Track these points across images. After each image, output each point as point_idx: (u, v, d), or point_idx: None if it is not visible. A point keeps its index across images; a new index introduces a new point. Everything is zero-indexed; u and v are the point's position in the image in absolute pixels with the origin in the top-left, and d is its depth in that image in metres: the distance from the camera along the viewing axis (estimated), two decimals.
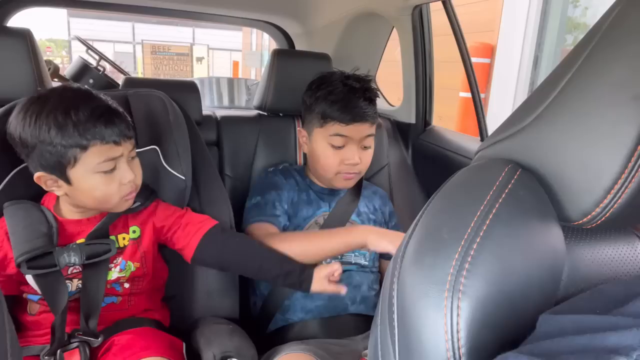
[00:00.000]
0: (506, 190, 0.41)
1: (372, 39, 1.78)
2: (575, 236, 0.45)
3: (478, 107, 1.38)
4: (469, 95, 1.46)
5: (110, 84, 1.86)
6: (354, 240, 0.95)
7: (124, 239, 0.88)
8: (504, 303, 0.37)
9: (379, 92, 1.17)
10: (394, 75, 1.76)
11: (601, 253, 0.45)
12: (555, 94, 0.41)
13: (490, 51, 3.42)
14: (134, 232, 0.89)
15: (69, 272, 0.83)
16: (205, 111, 1.33)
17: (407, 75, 1.56)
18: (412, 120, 1.58)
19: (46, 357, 0.78)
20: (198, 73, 11.09)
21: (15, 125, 0.76)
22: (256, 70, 10.20)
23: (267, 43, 9.58)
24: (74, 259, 0.81)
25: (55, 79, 1.75)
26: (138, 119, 0.97)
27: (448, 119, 3.53)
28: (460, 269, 0.37)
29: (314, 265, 0.95)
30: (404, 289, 0.40)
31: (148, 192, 0.92)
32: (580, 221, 0.40)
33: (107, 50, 10.25)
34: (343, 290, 0.92)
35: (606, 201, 0.37)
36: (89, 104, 0.76)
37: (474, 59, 1.75)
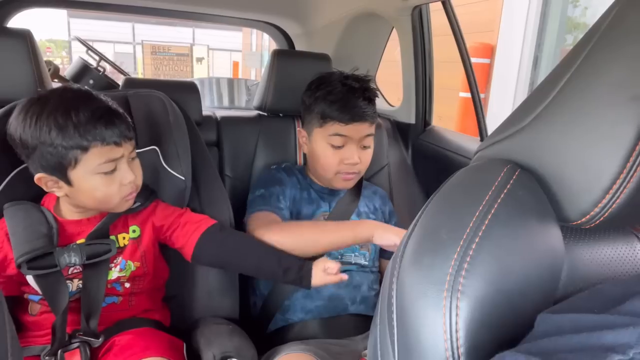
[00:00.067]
0: (505, 191, 0.41)
1: (371, 40, 1.78)
2: (574, 236, 0.45)
3: (478, 107, 1.38)
4: (468, 95, 1.46)
5: (110, 85, 1.86)
6: (361, 233, 0.95)
7: (124, 238, 0.88)
8: (503, 303, 0.37)
9: (378, 92, 1.17)
10: (393, 75, 1.76)
11: (600, 253, 0.45)
12: (554, 94, 0.41)
13: (490, 51, 3.43)
14: (133, 231, 0.90)
15: (70, 273, 0.84)
16: (205, 112, 1.33)
17: (406, 75, 1.57)
18: (412, 121, 1.58)
19: (47, 358, 0.78)
20: (198, 73, 11.09)
21: (16, 126, 0.76)
22: (256, 71, 10.20)
23: (267, 43, 9.58)
24: (75, 259, 0.81)
25: (56, 80, 1.75)
26: (138, 119, 0.97)
27: (448, 119, 3.53)
28: (459, 269, 0.37)
29: (312, 259, 0.95)
30: (403, 289, 0.40)
31: (148, 192, 0.92)
32: (579, 221, 0.40)
33: (107, 50, 10.25)
34: (345, 277, 0.91)
35: (605, 201, 0.37)
36: (89, 105, 0.76)
37: (473, 59, 1.75)
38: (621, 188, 0.36)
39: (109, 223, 0.86)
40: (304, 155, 1.24)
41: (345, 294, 1.06)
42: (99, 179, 0.78)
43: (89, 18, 12.22)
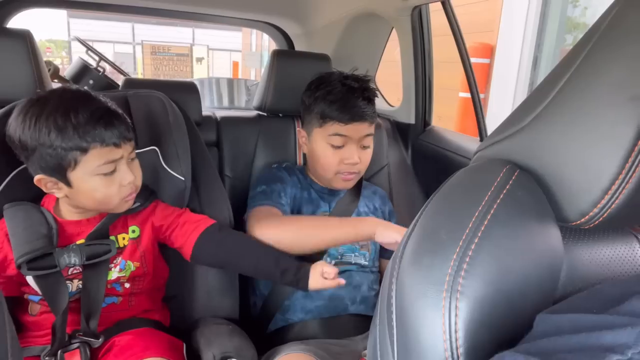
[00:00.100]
0: (504, 191, 0.41)
1: (371, 40, 1.78)
2: (574, 236, 0.45)
3: (477, 107, 1.38)
4: (468, 95, 1.46)
5: (110, 85, 1.86)
6: (363, 229, 0.95)
7: (123, 238, 0.88)
8: (502, 303, 0.37)
9: (377, 92, 1.17)
10: (393, 75, 1.76)
11: (599, 253, 0.45)
12: (553, 94, 0.41)
13: (489, 51, 3.42)
14: (133, 231, 0.90)
15: (69, 273, 0.84)
16: (205, 112, 1.33)
17: (406, 75, 1.57)
18: (412, 121, 1.59)
19: (47, 358, 0.78)
20: (198, 73, 11.09)
21: (15, 127, 0.76)
22: (256, 71, 10.20)
23: (267, 44, 9.58)
24: (74, 259, 0.81)
25: (55, 80, 1.75)
26: (138, 119, 0.97)
27: (447, 119, 3.53)
28: (459, 270, 0.37)
29: (312, 257, 0.94)
30: (402, 290, 0.40)
31: (148, 193, 0.92)
32: (578, 221, 0.40)
33: (107, 50, 10.25)
34: (342, 281, 0.91)
35: (604, 201, 0.37)
36: (88, 106, 0.76)
37: (473, 59, 1.75)
38: (620, 188, 0.36)
39: (108, 223, 0.86)
40: (304, 155, 1.24)
41: (345, 294, 1.06)
42: (99, 180, 0.78)
43: (88, 18, 12.22)
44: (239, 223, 1.06)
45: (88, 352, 0.81)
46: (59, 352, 0.79)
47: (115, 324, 0.87)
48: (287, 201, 1.09)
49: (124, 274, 0.88)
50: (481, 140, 1.41)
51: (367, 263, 1.12)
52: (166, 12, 1.87)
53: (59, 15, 12.91)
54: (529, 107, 0.44)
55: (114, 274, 0.87)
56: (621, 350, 0.27)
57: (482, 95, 3.35)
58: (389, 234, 0.92)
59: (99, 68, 1.89)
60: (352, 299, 1.07)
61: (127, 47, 12.64)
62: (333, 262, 1.09)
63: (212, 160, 1.12)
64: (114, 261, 0.87)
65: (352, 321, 1.06)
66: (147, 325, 0.89)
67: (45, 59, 1.19)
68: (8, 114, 0.80)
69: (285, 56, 1.41)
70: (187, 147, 1.01)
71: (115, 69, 2.16)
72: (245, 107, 2.97)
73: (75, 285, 0.84)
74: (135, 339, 0.83)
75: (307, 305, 1.05)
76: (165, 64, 11.00)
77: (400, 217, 1.29)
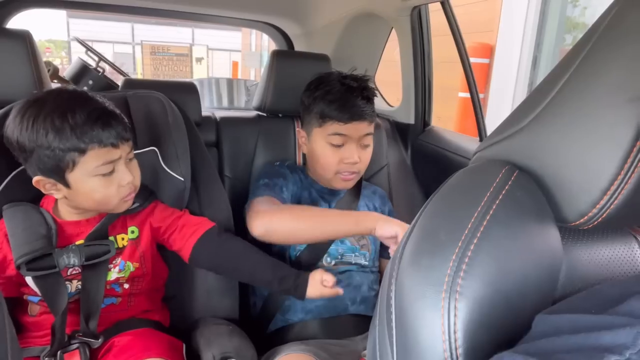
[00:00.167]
0: (503, 192, 0.41)
1: (371, 40, 1.78)
2: (573, 237, 0.45)
3: (477, 107, 1.38)
4: (467, 95, 1.46)
5: (109, 85, 1.86)
6: (363, 223, 0.94)
7: (122, 239, 0.88)
8: (502, 304, 0.37)
9: (376, 92, 1.17)
10: (393, 75, 1.76)
11: (598, 253, 0.45)
12: (553, 95, 0.41)
13: (489, 51, 3.42)
14: (132, 232, 0.90)
15: (69, 274, 0.84)
16: (205, 112, 1.33)
17: (406, 75, 1.57)
18: (411, 121, 1.59)
19: (46, 358, 0.79)
20: (197, 73, 11.08)
21: (13, 129, 0.76)
22: (255, 71, 10.20)
23: (266, 44, 9.58)
24: (74, 260, 0.81)
25: (55, 81, 1.75)
26: (137, 120, 0.97)
27: (447, 119, 3.53)
28: (458, 270, 0.37)
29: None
30: (401, 290, 0.40)
31: (147, 193, 0.92)
32: (578, 222, 0.40)
33: (107, 51, 10.25)
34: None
35: (603, 202, 0.37)
36: (85, 107, 0.76)
37: (472, 59, 1.75)
38: (619, 189, 0.36)
39: (107, 224, 0.86)
40: (304, 155, 1.24)
41: (345, 294, 1.06)
42: (97, 180, 0.78)
43: (88, 18, 12.21)
44: (239, 223, 1.06)
45: (87, 353, 0.81)
46: (59, 352, 0.79)
47: (114, 324, 0.87)
48: (289, 196, 1.09)
49: (123, 275, 0.88)
50: (480, 140, 1.41)
51: (367, 263, 1.12)
52: (166, 12, 1.87)
53: (58, 15, 12.90)
54: (528, 107, 0.44)
55: (113, 275, 0.87)
56: (619, 350, 0.27)
57: (481, 95, 3.36)
58: (390, 226, 0.91)
59: (98, 68, 1.90)
60: (352, 299, 1.07)
61: (126, 47, 12.63)
62: (333, 262, 1.09)
63: (212, 161, 1.12)
64: (113, 262, 0.87)
65: (352, 321, 1.06)
66: (146, 326, 0.89)
67: (44, 59, 1.19)
68: (7, 115, 0.80)
69: (285, 56, 1.41)
70: (187, 147, 1.01)
71: (114, 69, 2.16)
72: (245, 107, 2.97)
73: (74, 285, 0.84)
74: (134, 340, 0.83)
75: (307, 306, 1.05)
76: (165, 64, 11.00)
77: (400, 217, 1.27)
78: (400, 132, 1.62)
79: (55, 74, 1.74)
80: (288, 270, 0.93)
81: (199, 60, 11.43)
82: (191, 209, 1.00)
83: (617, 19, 0.38)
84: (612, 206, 0.37)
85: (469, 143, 1.40)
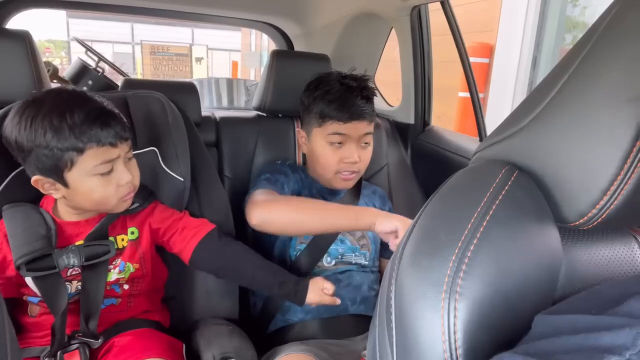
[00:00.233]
0: (503, 192, 0.41)
1: (370, 40, 1.78)
2: (572, 237, 0.45)
3: (477, 107, 1.38)
4: (467, 95, 1.46)
5: (109, 86, 1.86)
6: (363, 218, 0.93)
7: (122, 240, 0.88)
8: (501, 304, 0.37)
9: (376, 91, 1.17)
10: (393, 75, 1.76)
11: (598, 254, 0.45)
12: (552, 95, 0.41)
13: (489, 51, 3.42)
14: (132, 233, 0.90)
15: (69, 274, 0.84)
16: (205, 112, 1.33)
17: (405, 75, 1.57)
18: (411, 121, 1.59)
19: (46, 359, 0.78)
20: (197, 73, 11.08)
21: (11, 129, 0.76)
22: (255, 71, 10.20)
23: (266, 43, 9.58)
24: (73, 260, 0.81)
25: (55, 81, 1.75)
26: (137, 120, 0.97)
27: (447, 119, 3.53)
28: (458, 271, 0.37)
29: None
30: (401, 291, 0.40)
31: (146, 194, 0.92)
32: (577, 222, 0.40)
33: (106, 51, 10.25)
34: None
35: (603, 202, 0.37)
36: (84, 107, 0.76)
37: (472, 59, 1.75)
38: (619, 189, 0.36)
39: (107, 224, 0.86)
40: (304, 155, 1.24)
41: (345, 294, 1.06)
42: (96, 180, 0.78)
43: (88, 18, 12.21)
44: (239, 223, 1.06)
45: (87, 353, 0.81)
46: (59, 352, 0.79)
47: (114, 324, 0.87)
48: (289, 193, 1.10)
49: (123, 276, 0.88)
50: (480, 140, 1.41)
51: (367, 263, 1.12)
52: (165, 12, 1.87)
53: (58, 15, 12.90)
54: (528, 107, 0.44)
55: (113, 276, 0.87)
56: (619, 351, 0.27)
57: (481, 95, 3.36)
58: (390, 222, 0.90)
59: (98, 68, 1.89)
60: (352, 299, 1.07)
61: (126, 47, 12.64)
62: (333, 261, 1.09)
63: (212, 161, 1.12)
64: (113, 262, 0.87)
65: (352, 321, 1.06)
66: (146, 326, 0.89)
67: (44, 59, 1.19)
68: (7, 115, 0.80)
69: (285, 56, 1.41)
70: (187, 147, 1.01)
71: (114, 69, 2.16)
72: (245, 107, 2.97)
73: (74, 286, 0.84)
74: (134, 340, 0.83)
75: (307, 306, 1.05)
76: (165, 64, 11.00)
77: None
78: (400, 132, 1.62)
79: (54, 74, 1.74)
80: (288, 275, 0.93)
81: (199, 60, 11.44)
82: (191, 209, 1.00)
83: (617, 19, 0.38)
84: (612, 206, 0.37)
85: (468, 143, 1.40)
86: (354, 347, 0.99)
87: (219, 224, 0.97)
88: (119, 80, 1.51)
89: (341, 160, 1.08)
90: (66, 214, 0.85)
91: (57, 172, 0.76)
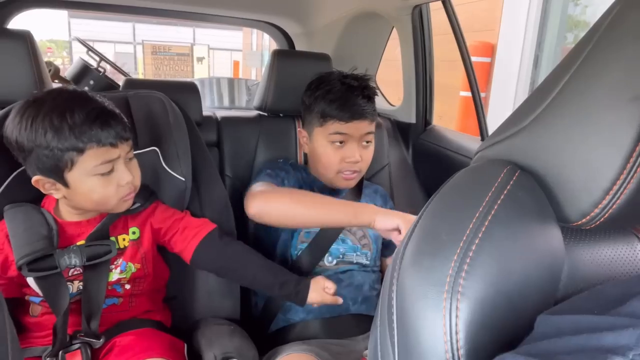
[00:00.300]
0: (505, 192, 0.41)
1: (372, 39, 1.78)
2: (575, 237, 0.45)
3: (478, 106, 1.38)
4: (469, 94, 1.46)
5: (110, 85, 1.86)
6: (362, 214, 0.93)
7: (124, 240, 0.88)
8: (503, 304, 0.37)
9: (377, 91, 1.17)
10: (394, 74, 1.76)
11: (600, 253, 0.45)
12: (554, 94, 0.41)
13: (490, 50, 3.42)
14: (133, 233, 0.90)
15: (70, 274, 0.84)
16: (206, 112, 1.33)
17: (407, 74, 1.56)
18: (413, 120, 1.58)
19: (48, 358, 0.79)
20: (198, 73, 11.10)
21: (12, 129, 0.76)
22: (257, 70, 10.20)
23: (267, 43, 9.59)
24: (75, 260, 0.81)
25: (56, 81, 1.76)
26: (138, 120, 0.97)
27: (449, 118, 3.52)
28: (459, 271, 0.37)
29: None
30: (403, 291, 0.40)
31: (147, 193, 0.92)
32: (579, 222, 0.40)
33: (108, 50, 10.27)
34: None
35: (605, 202, 0.37)
36: (84, 107, 0.76)
37: (474, 58, 1.74)
38: (621, 189, 0.36)
39: (108, 224, 0.86)
40: (305, 155, 1.24)
41: (346, 294, 1.06)
42: (96, 180, 0.78)
43: (89, 18, 12.24)
44: (240, 223, 1.06)
45: (89, 353, 0.81)
46: (60, 352, 0.79)
47: (116, 324, 0.87)
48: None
49: (124, 276, 0.88)
50: (482, 139, 1.41)
51: (368, 262, 1.12)
52: (167, 12, 1.87)
53: (59, 15, 12.93)
54: (530, 107, 0.44)
55: (114, 275, 0.87)
56: (622, 351, 0.27)
57: (483, 94, 3.35)
58: (390, 219, 0.89)
59: (99, 68, 1.90)
60: (353, 299, 1.07)
61: (127, 47, 12.66)
62: (335, 261, 1.09)
63: (213, 161, 1.12)
64: (115, 262, 0.87)
65: (353, 321, 1.06)
66: (148, 326, 0.89)
67: (46, 59, 1.19)
68: (7, 116, 0.80)
69: (286, 56, 1.41)
70: (188, 147, 1.01)
71: (115, 69, 2.17)
72: (246, 107, 2.97)
73: (76, 286, 0.84)
74: (136, 340, 0.83)
75: (308, 305, 1.05)
76: (166, 64, 11.01)
77: None
78: (401, 131, 1.62)
79: (56, 74, 1.75)
80: (290, 275, 0.93)
81: (200, 59, 11.45)
82: (192, 209, 1.00)
83: (618, 19, 0.38)
84: (614, 206, 0.37)
85: (470, 142, 1.40)
86: (356, 347, 0.99)
87: (220, 223, 0.97)
88: (120, 80, 1.51)
89: (343, 160, 1.08)
90: (67, 214, 0.85)
91: (58, 172, 0.76)
